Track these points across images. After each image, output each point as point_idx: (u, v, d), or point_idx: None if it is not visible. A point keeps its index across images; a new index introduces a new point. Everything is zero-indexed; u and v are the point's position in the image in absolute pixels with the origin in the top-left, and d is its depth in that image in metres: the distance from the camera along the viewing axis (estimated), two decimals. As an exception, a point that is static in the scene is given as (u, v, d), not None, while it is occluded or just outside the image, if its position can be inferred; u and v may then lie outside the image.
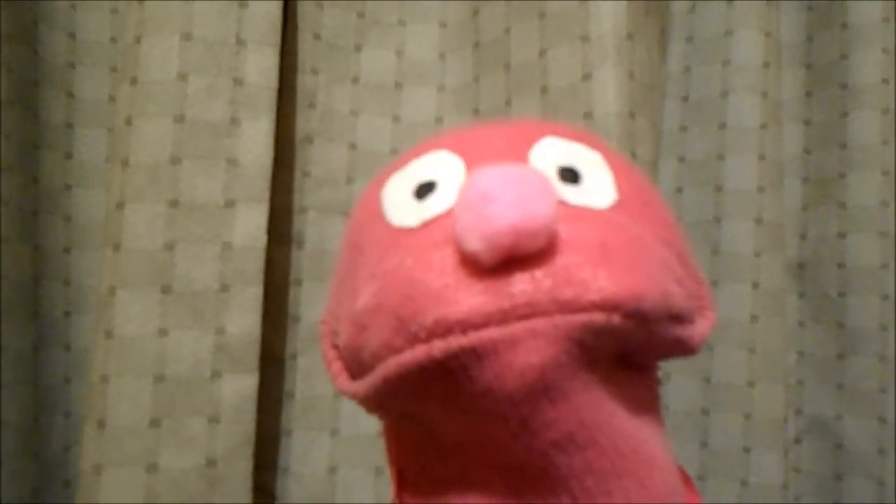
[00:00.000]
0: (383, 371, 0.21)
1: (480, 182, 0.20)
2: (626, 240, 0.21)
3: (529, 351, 0.19)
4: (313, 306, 0.52)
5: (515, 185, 0.20)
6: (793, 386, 0.63)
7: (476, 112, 0.54)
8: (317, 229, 0.53)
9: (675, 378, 0.59)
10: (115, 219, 0.44)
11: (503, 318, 0.19)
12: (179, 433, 0.44)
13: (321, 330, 0.26)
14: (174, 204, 0.45)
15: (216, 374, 0.44)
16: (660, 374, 0.26)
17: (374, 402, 0.23)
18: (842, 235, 0.62)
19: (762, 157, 0.59)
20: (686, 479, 0.27)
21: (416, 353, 0.20)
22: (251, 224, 0.45)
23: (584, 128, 0.27)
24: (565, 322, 0.19)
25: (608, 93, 0.47)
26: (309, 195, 0.53)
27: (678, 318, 0.22)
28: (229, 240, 0.45)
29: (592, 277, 0.20)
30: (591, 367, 0.21)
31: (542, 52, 0.50)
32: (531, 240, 0.19)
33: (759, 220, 0.58)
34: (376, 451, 0.52)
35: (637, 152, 0.48)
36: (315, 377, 0.52)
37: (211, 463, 0.44)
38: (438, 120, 0.56)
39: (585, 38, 0.48)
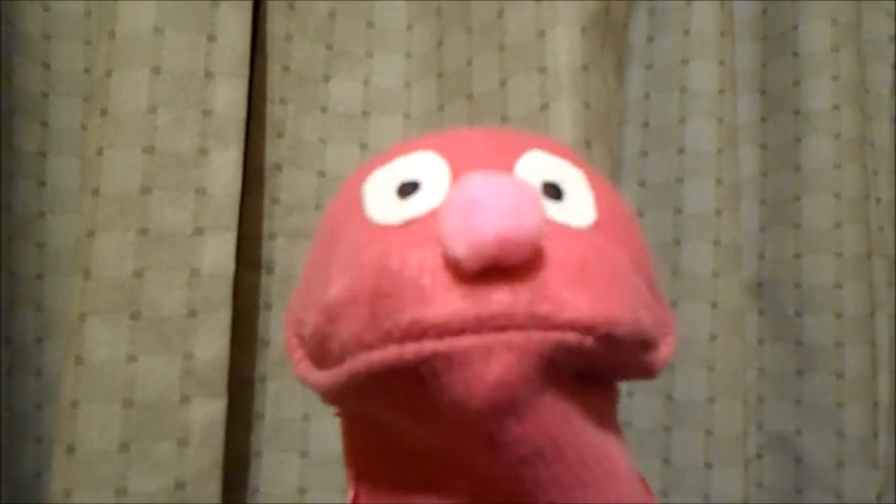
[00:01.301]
0: (351, 367, 0.21)
1: (471, 188, 0.20)
2: (604, 262, 0.21)
3: (501, 365, 0.19)
4: (282, 330, 0.53)
5: (506, 195, 0.20)
6: (753, 402, 0.65)
7: (441, 140, 0.56)
8: (286, 255, 0.54)
9: (638, 396, 0.61)
10: (85, 247, 0.46)
11: (479, 325, 0.19)
12: (149, 457, 0.44)
13: (286, 318, 0.26)
14: (143, 232, 0.46)
15: (185, 399, 0.45)
16: (620, 389, 0.26)
17: (336, 395, 0.23)
18: (798, 256, 0.64)
19: (719, 181, 0.61)
20: (647, 490, 0.28)
21: (386, 354, 0.20)
22: (219, 251, 0.47)
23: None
24: (539, 338, 0.19)
25: (564, 122, 0.49)
26: (278, 221, 0.54)
27: (645, 343, 0.23)
28: (198, 267, 0.46)
29: (570, 297, 0.20)
30: (558, 383, 0.21)
31: (503, 83, 0.52)
32: (516, 252, 0.19)
33: (716, 242, 0.60)
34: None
35: (593, 179, 0.50)
36: (285, 399, 0.53)
37: (180, 486, 0.45)
38: (405, 147, 0.57)
39: (542, 70, 0.50)
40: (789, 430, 0.64)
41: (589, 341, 0.20)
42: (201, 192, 0.47)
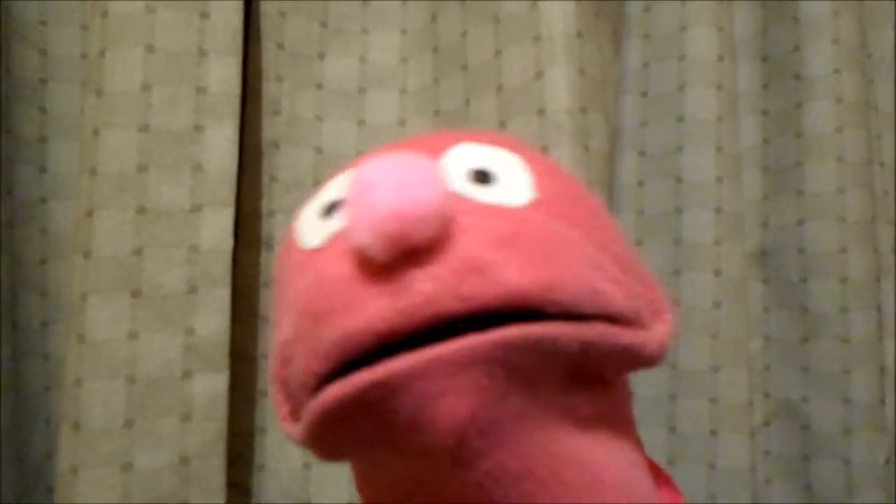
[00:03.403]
0: (308, 417, 0.20)
1: (362, 174, 0.19)
2: (539, 233, 0.20)
3: (441, 379, 0.18)
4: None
5: (396, 170, 0.19)
6: (759, 370, 0.64)
7: (437, 113, 0.56)
8: (285, 232, 0.54)
9: (643, 366, 0.61)
10: (84, 227, 0.46)
11: (404, 319, 0.18)
12: (152, 432, 0.45)
13: (269, 373, 0.25)
14: (141, 210, 0.46)
15: (187, 374, 0.46)
16: (628, 388, 0.25)
17: (314, 445, 0.22)
18: (801, 222, 0.63)
19: (719, 149, 0.60)
20: (664, 479, 0.27)
21: (327, 396, 0.19)
22: (217, 227, 0.47)
23: (511, 133, 0.27)
24: (471, 344, 0.18)
25: (559, 90, 0.49)
26: (277, 199, 0.54)
27: (619, 320, 0.21)
28: (196, 243, 0.46)
29: (497, 262, 0.19)
30: (529, 390, 0.20)
31: (497, 54, 0.52)
32: (418, 225, 0.18)
33: (718, 210, 0.60)
34: (350, 447, 0.53)
35: (590, 146, 0.49)
36: (288, 376, 0.53)
37: (184, 460, 0.45)
38: (401, 122, 0.57)
39: (537, 39, 0.50)
40: (796, 398, 0.63)
41: (531, 335, 0.19)
42: (198, 168, 0.47)
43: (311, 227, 0.23)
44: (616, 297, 0.21)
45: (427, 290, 0.19)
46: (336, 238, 0.21)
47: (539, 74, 0.49)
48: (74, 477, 0.44)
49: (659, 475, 0.26)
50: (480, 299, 0.19)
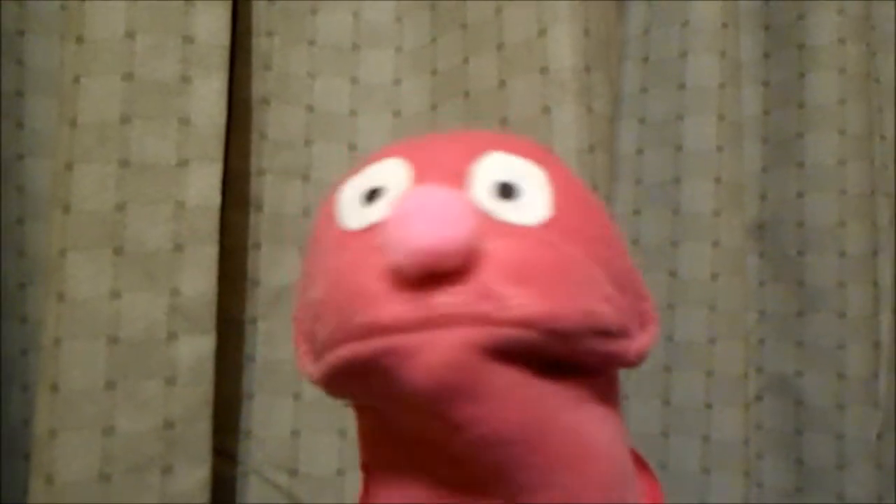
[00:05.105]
0: (325, 363, 0.23)
1: (407, 202, 0.22)
2: (548, 259, 0.23)
3: (443, 352, 0.21)
4: (272, 270, 0.51)
5: (436, 208, 0.22)
6: (754, 345, 0.64)
7: (434, 72, 0.54)
8: (275, 192, 0.52)
9: (638, 337, 0.60)
10: (63, 180, 0.44)
11: (423, 326, 0.21)
12: (135, 396, 0.43)
13: (293, 314, 0.28)
14: (124, 164, 0.44)
15: (172, 336, 0.44)
16: (616, 378, 0.27)
17: (326, 385, 0.25)
18: (800, 195, 0.62)
19: (721, 117, 0.59)
20: (643, 466, 0.29)
21: (343, 352, 0.22)
22: (205, 183, 0.45)
23: (539, 142, 0.28)
24: (476, 333, 0.21)
25: (563, 48, 0.47)
26: (267, 158, 0.52)
27: (606, 334, 0.24)
28: (182, 199, 0.44)
29: (510, 295, 0.22)
30: (520, 367, 0.22)
31: (498, 10, 0.50)
32: (447, 260, 0.21)
33: (718, 180, 0.59)
34: (340, 415, 0.51)
35: (593, 107, 0.48)
36: (276, 341, 0.51)
37: (169, 425, 0.44)
38: (396, 81, 0.55)
39: (540, -5, 0.48)
40: (789, 372, 0.63)
41: (532, 335, 0.22)
42: (184, 121, 0.45)
43: (351, 208, 0.25)
44: (608, 315, 0.24)
45: (447, 304, 0.21)
46: (375, 229, 0.23)
47: (542, 32, 0.48)
48: (52, 440, 0.42)
49: (639, 463, 0.29)
50: (492, 320, 0.21)
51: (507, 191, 0.24)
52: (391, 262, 0.21)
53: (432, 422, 0.23)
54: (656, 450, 0.58)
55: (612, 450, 0.25)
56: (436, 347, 0.21)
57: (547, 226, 0.24)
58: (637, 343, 0.26)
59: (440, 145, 0.27)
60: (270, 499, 0.51)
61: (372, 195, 0.25)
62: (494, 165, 0.25)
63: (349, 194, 0.26)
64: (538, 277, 0.22)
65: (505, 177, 0.25)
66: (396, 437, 0.25)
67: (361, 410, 0.27)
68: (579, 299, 0.23)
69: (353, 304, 0.22)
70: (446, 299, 0.21)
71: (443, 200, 0.22)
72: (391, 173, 0.25)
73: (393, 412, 0.25)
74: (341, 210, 0.25)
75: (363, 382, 0.23)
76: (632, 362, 0.26)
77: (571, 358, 0.23)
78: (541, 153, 0.27)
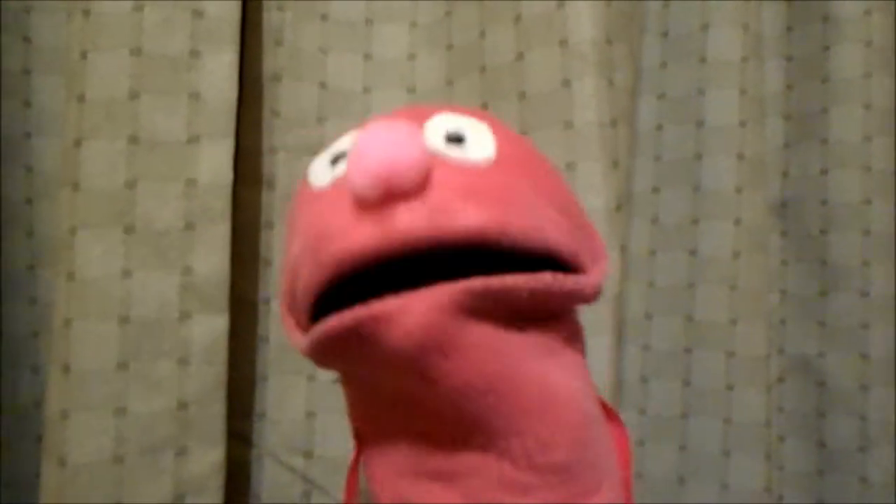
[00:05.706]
0: (311, 337, 0.25)
1: (362, 137, 0.24)
2: (496, 183, 0.25)
3: (418, 314, 0.23)
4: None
5: (388, 133, 0.24)
6: (776, 325, 0.62)
7: (449, 47, 0.53)
8: (288, 170, 0.51)
9: (658, 318, 0.59)
10: (72, 157, 0.43)
11: (387, 242, 0.23)
12: (148, 376, 0.42)
13: (280, 290, 0.29)
14: (134, 140, 0.43)
15: (185, 315, 0.43)
16: (579, 327, 0.29)
17: (314, 356, 0.27)
18: (824, 172, 0.61)
19: (743, 92, 0.57)
20: (610, 413, 0.32)
21: (328, 325, 0.24)
22: (216, 160, 0.44)
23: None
24: (448, 290, 0.23)
25: (583, 19, 0.46)
26: (279, 135, 0.51)
27: (561, 261, 0.26)
28: (194, 177, 0.43)
29: (462, 208, 0.24)
30: (489, 322, 0.24)
31: (515, -18, 0.48)
32: (402, 177, 0.23)
33: (740, 156, 0.57)
34: (355, 397, 0.50)
35: (615, 80, 0.47)
36: (290, 322, 0.50)
37: (182, 405, 0.43)
38: (411, 57, 0.54)
39: (559, -36, 0.46)
40: (812, 353, 0.61)
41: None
42: (195, 96, 0.44)
43: (320, 172, 0.27)
44: (556, 234, 0.26)
45: (406, 221, 0.23)
46: (339, 182, 0.26)
47: (561, 3, 0.46)
48: (64, 421, 0.42)
49: (606, 410, 0.31)
50: (447, 231, 0.23)
51: (455, 138, 0.27)
52: (353, 191, 0.23)
53: (411, 379, 0.25)
54: (676, 431, 0.57)
55: (579, 395, 0.27)
56: (412, 311, 0.23)
57: (493, 166, 0.26)
58: (592, 277, 0.27)
59: (396, 113, 0.29)
60: (285, 481, 0.50)
61: (336, 159, 0.27)
62: (443, 121, 0.27)
63: (319, 163, 0.28)
64: (488, 195, 0.24)
65: (453, 129, 0.27)
66: (380, 399, 0.28)
67: (347, 380, 0.29)
68: (527, 216, 0.25)
69: (324, 241, 0.24)
70: (405, 216, 0.23)
71: (394, 127, 0.24)
72: (352, 138, 0.27)
73: (375, 377, 0.27)
74: (313, 176, 0.28)
75: (346, 349, 0.25)
76: (589, 297, 0.27)
77: (535, 305, 0.25)
78: (485, 115, 0.30)
